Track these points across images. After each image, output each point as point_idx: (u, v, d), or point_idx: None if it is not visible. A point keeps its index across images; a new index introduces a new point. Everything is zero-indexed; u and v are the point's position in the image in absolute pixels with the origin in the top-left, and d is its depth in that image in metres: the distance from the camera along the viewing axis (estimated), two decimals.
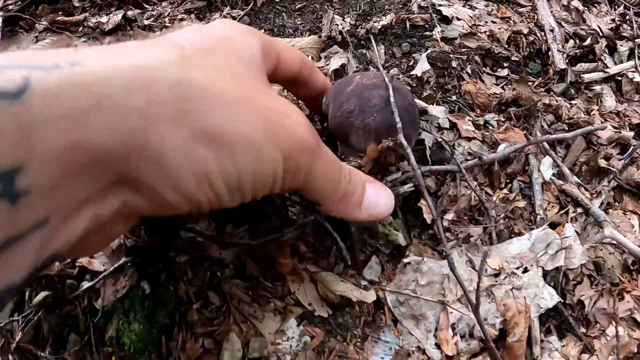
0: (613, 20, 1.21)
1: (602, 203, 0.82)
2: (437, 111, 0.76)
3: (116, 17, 0.92)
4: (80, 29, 1.01)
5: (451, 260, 0.55)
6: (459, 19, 0.98)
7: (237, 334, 0.58)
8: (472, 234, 0.69)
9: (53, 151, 0.25)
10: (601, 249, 0.78)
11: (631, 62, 1.11)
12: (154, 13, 0.95)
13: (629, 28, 1.22)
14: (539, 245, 0.71)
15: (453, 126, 0.81)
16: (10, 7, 1.16)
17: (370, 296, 0.62)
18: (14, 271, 0.27)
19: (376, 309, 0.64)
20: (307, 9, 0.99)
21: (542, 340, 0.67)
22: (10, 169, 0.23)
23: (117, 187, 0.30)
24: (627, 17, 1.24)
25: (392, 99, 0.59)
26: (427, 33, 0.94)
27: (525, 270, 0.69)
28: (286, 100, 0.39)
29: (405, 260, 0.65)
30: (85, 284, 0.60)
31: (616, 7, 1.29)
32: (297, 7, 1.00)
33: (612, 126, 0.97)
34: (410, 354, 0.61)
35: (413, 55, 0.90)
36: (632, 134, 0.94)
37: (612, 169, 0.85)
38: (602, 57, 1.09)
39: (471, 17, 0.99)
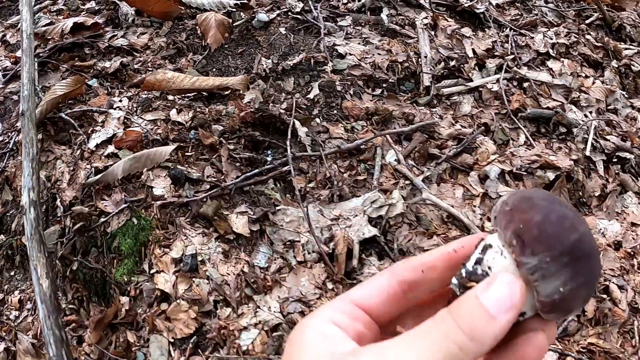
0: (493, 42, 1.94)
1: (429, 179, 1.57)
2: (301, 130, 1.55)
3: (115, 63, 1.77)
4: (91, 71, 1.88)
5: (306, 210, 1.34)
6: (351, 54, 1.77)
7: (180, 246, 1.40)
8: (323, 195, 1.47)
9: None
10: (424, 208, 1.53)
11: (496, 76, 1.84)
12: (141, 59, 1.78)
13: (505, 48, 1.96)
14: (368, 202, 1.48)
15: (327, 130, 1.60)
16: (41, 54, 2.05)
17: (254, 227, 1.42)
18: None
19: (260, 234, 1.43)
20: (246, 53, 1.81)
21: (363, 259, 1.43)
22: None
23: None
24: (509, 38, 1.97)
25: None
26: (325, 67, 1.74)
27: (355, 216, 1.46)
28: None
29: (278, 208, 1.44)
30: (102, 219, 1.43)
31: (504, 29, 2.03)
32: (239, 51, 1.81)
33: (461, 125, 1.72)
34: (275, 259, 1.39)
35: (311, 84, 1.70)
36: (470, 130, 1.68)
37: (443, 155, 1.60)
38: (471, 74, 1.82)
39: (361, 52, 1.78)
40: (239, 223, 1.42)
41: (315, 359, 0.44)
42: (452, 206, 1.50)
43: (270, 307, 1.33)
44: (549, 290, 0.44)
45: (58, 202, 1.55)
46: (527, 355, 0.45)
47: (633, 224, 1.69)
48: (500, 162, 1.61)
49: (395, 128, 1.63)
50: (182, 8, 1.89)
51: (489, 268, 0.46)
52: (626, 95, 1.99)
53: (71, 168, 1.59)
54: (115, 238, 1.45)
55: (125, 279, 1.42)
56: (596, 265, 0.46)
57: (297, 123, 1.52)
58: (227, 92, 1.67)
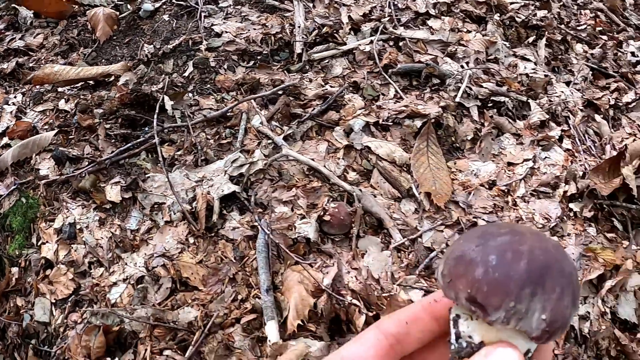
0: (372, 7, 2.11)
1: (294, 137, 1.74)
2: (168, 104, 1.74)
3: (12, 63, 1.99)
4: None
5: (168, 173, 1.53)
6: (227, 32, 1.95)
7: (62, 218, 1.60)
8: (189, 160, 1.66)
9: None
10: (287, 164, 1.70)
11: (370, 38, 2.01)
12: (36, 58, 2.00)
13: (384, 11, 2.12)
14: (229, 162, 1.66)
15: (198, 103, 1.79)
16: None
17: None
18: None
19: (133, 201, 1.62)
20: (132, 42, 2.01)
21: (225, 214, 1.61)
22: None
23: None
24: (389, 2, 2.13)
25: None
26: (200, 47, 1.92)
27: (217, 176, 1.64)
28: None
29: (147, 175, 1.63)
30: None
31: None
32: (125, 41, 2.02)
33: (330, 86, 1.89)
34: (145, 221, 1.59)
35: (187, 63, 1.89)
36: (339, 89, 1.85)
37: (306, 113, 1.77)
38: (345, 38, 1.99)
39: (237, 29, 1.96)
40: (113, 192, 1.62)
41: None
42: (313, 160, 1.67)
43: (136, 264, 1.52)
44: (533, 325, 0.44)
45: None
46: None
47: (510, 164, 1.83)
48: (365, 116, 1.78)
49: (263, 94, 1.81)
50: (75, 6, 2.10)
51: (470, 337, 0.48)
52: (508, 45, 2.13)
53: None
54: (7, 218, 1.66)
55: (17, 253, 1.63)
56: (563, 267, 0.46)
57: (166, 98, 1.72)
58: (111, 79, 1.87)
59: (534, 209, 1.72)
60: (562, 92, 2.02)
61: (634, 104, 2.11)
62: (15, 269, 1.60)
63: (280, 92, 1.77)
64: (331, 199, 1.61)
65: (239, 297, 1.47)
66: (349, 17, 2.04)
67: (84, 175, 1.65)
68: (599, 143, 1.98)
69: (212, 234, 1.56)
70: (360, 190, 1.62)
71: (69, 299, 1.51)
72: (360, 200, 1.59)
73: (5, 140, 1.79)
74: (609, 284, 1.57)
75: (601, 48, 2.36)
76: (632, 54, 2.43)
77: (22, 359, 1.51)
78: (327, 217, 1.56)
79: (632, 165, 1.85)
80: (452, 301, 0.48)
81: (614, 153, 1.90)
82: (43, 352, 1.49)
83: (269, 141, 1.71)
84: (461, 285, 0.46)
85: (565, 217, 1.74)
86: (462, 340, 0.48)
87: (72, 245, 1.57)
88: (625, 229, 1.79)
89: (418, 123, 1.79)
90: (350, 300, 1.46)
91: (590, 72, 2.12)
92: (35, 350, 1.49)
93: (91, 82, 1.88)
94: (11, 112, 1.83)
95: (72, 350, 1.40)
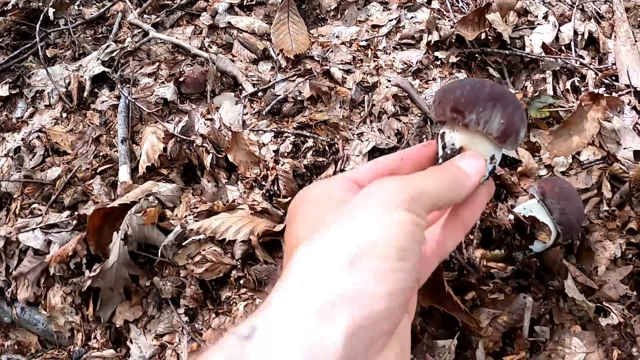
0: None
1: (163, 25, 1.88)
2: (51, 13, 1.92)
3: None
4: None
5: (49, 68, 1.71)
6: None
7: None
8: (68, 55, 1.83)
9: None
10: (155, 46, 1.84)
11: None
12: None
13: None
14: (102, 51, 1.81)
15: (81, 12, 1.96)
16: None
17: None
18: None
19: (20, 95, 1.80)
20: None
21: (96, 92, 1.75)
22: None
23: None
24: None
25: None
26: None
27: (91, 62, 1.79)
28: None
29: (31, 72, 1.81)
30: None
31: None
32: None
33: None
34: (28, 109, 1.75)
35: None
36: None
37: (174, 4, 1.91)
38: None
39: None
40: (2, 90, 1.80)
41: (316, 202, 0.56)
42: (177, 38, 1.80)
43: (15, 140, 1.68)
44: (494, 127, 0.62)
45: None
46: (480, 198, 0.64)
47: (374, 26, 1.89)
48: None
49: None
50: None
51: (453, 144, 0.65)
52: None
53: None
54: None
55: None
56: (511, 96, 0.65)
57: (51, 10, 1.90)
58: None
59: (394, 58, 1.77)
60: None
61: None
62: None
63: None
64: (189, 66, 1.73)
65: (101, 154, 1.60)
66: None
67: None
68: (473, 4, 2.01)
69: (83, 109, 1.71)
70: (215, 54, 1.73)
71: None
72: (215, 62, 1.70)
73: None
74: None
75: None
76: None
77: None
78: (182, 79, 1.68)
79: (499, 12, 1.86)
80: (440, 120, 0.66)
81: None
82: None
83: (139, 30, 1.85)
84: (446, 103, 0.64)
85: (431, 65, 1.77)
86: (447, 149, 0.64)
87: None
88: (502, 76, 1.80)
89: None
90: (201, 144, 1.56)
91: None
92: None
93: None
94: None
95: None
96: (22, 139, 1.67)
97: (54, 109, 1.73)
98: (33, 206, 1.54)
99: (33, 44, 1.87)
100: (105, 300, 1.39)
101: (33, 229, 1.49)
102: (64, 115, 1.70)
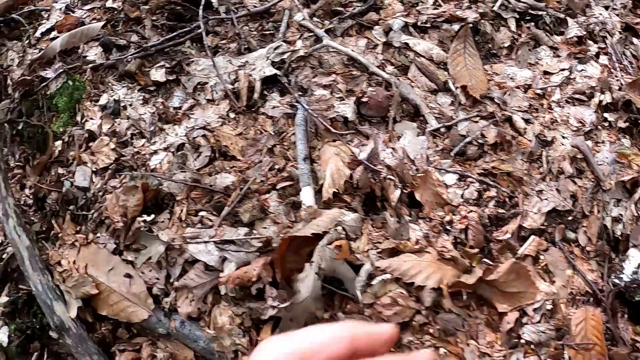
0: None
1: (334, 32, 1.75)
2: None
3: None
4: None
5: (212, 56, 1.56)
6: None
7: (107, 96, 1.63)
8: (232, 47, 1.69)
9: None
10: (327, 55, 1.71)
11: None
12: None
13: None
14: (272, 50, 1.68)
15: (242, 2, 1.82)
16: None
17: None
18: None
19: (177, 83, 1.65)
20: None
21: (265, 95, 1.62)
22: None
23: None
24: None
25: None
26: None
27: (259, 61, 1.66)
28: None
29: (191, 60, 1.66)
30: (43, 84, 1.69)
31: None
32: None
33: None
34: (188, 100, 1.61)
35: None
36: None
37: (347, 12, 1.79)
38: None
39: None
40: (158, 74, 1.65)
41: None
42: (353, 51, 1.69)
43: (177, 134, 1.54)
44: None
45: (9, 81, 1.83)
46: None
47: (546, 72, 1.82)
48: (404, 17, 1.79)
49: None
50: None
51: None
52: None
53: (20, 54, 1.87)
54: (53, 98, 1.70)
55: (62, 130, 1.67)
56: None
57: None
58: None
59: (568, 113, 1.71)
60: (600, 14, 2.00)
61: None
62: (58, 143, 1.63)
63: None
64: (369, 85, 1.62)
65: (276, 166, 1.48)
66: None
67: (130, 60, 1.69)
68: (636, 65, 1.96)
69: (253, 111, 1.58)
70: (398, 79, 1.63)
71: (110, 167, 1.53)
72: (398, 87, 1.59)
73: (54, 34, 1.84)
74: None
75: None
76: None
77: (59, 226, 1.53)
78: (365, 99, 1.57)
79: None
80: None
81: None
82: (80, 217, 1.51)
83: (310, 34, 1.73)
84: None
85: (600, 126, 1.71)
86: None
87: (115, 120, 1.60)
88: None
89: (456, 27, 1.79)
90: (386, 175, 1.46)
91: (630, 0, 2.10)
92: (73, 216, 1.52)
93: None
94: (60, 9, 1.89)
95: (109, 210, 1.43)
96: (185, 135, 1.53)
97: (219, 105, 1.59)
98: (201, 214, 1.41)
99: (192, 28, 1.72)
100: (282, 330, 1.30)
101: (206, 242, 1.36)
102: (232, 115, 1.57)
